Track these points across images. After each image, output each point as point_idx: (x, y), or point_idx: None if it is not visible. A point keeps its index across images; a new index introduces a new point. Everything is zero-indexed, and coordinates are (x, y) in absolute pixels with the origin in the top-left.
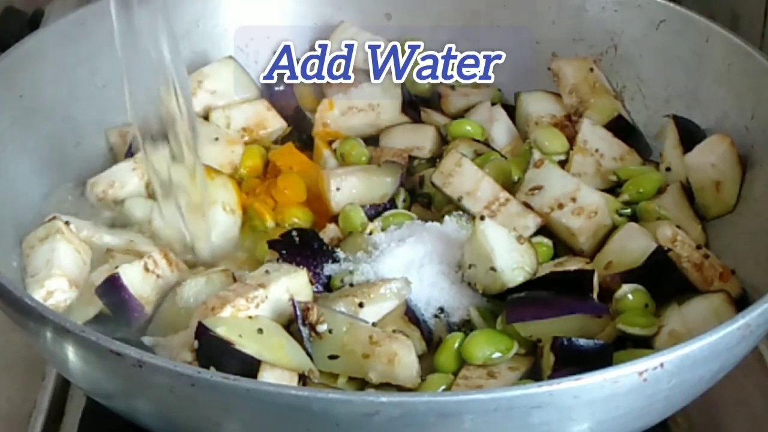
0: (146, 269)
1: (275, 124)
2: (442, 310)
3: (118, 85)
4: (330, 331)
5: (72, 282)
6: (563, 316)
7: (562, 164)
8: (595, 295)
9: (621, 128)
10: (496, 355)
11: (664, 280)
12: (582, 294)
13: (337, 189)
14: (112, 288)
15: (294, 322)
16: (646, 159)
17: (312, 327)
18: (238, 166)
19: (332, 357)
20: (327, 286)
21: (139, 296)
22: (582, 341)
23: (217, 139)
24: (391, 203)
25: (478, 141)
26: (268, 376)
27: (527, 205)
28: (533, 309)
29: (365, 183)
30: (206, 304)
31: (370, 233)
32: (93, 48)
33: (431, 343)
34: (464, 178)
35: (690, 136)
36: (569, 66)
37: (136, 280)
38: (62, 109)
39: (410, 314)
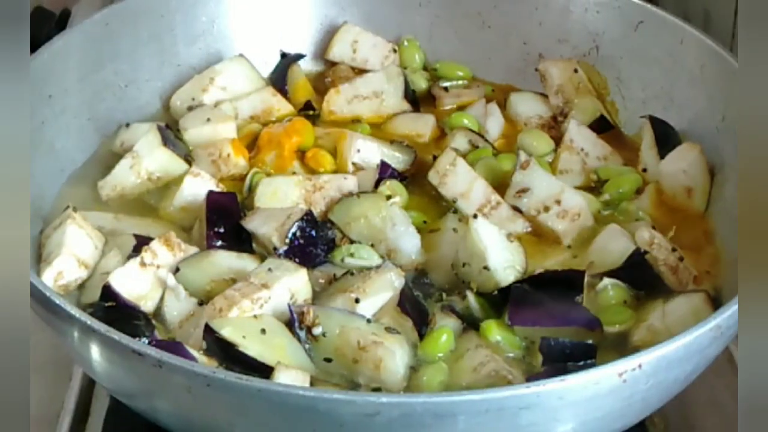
0: (143, 264)
1: (282, 108)
2: (441, 296)
3: (140, 84)
4: (324, 335)
5: (81, 262)
6: (561, 326)
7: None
8: (584, 295)
9: (604, 129)
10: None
11: (643, 282)
12: (573, 289)
13: (358, 150)
14: (109, 296)
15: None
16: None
17: (308, 330)
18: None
19: (327, 360)
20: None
21: (137, 296)
22: (568, 341)
23: (209, 120)
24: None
25: (474, 132)
26: (282, 377)
27: (516, 209)
28: (535, 314)
29: (383, 152)
30: (214, 304)
31: (393, 204)
32: (116, 48)
33: (428, 327)
34: (458, 178)
35: (665, 137)
36: (555, 67)
37: (132, 280)
38: (88, 109)
39: (402, 304)
